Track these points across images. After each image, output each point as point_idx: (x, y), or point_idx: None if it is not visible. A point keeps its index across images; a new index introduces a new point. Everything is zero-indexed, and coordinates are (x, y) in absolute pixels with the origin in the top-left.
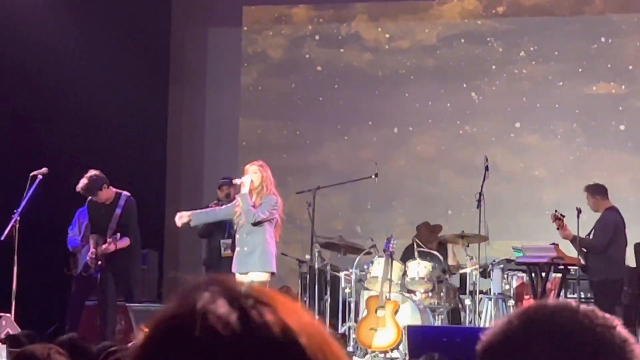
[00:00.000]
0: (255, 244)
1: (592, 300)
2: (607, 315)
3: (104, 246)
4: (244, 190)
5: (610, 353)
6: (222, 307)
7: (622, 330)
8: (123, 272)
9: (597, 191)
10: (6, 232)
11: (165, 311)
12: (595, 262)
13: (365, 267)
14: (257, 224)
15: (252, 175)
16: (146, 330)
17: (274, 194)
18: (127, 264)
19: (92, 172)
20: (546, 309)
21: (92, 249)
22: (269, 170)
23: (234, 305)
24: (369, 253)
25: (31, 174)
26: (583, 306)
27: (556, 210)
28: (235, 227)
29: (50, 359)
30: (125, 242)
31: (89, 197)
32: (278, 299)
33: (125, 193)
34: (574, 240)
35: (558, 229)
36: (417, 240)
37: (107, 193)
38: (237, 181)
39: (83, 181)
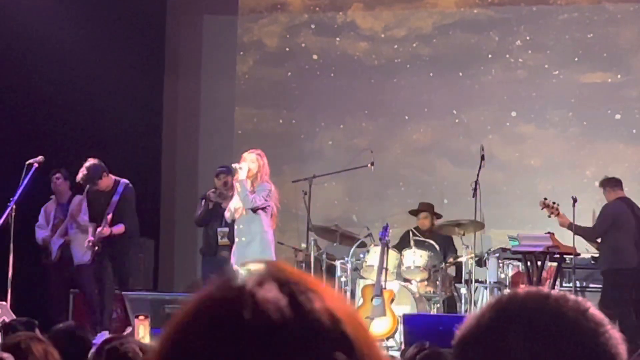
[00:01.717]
0: (253, 234)
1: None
2: (580, 299)
3: (97, 229)
4: (241, 175)
5: (583, 336)
6: (272, 291)
7: (595, 312)
8: (120, 260)
9: (606, 184)
10: (2, 220)
11: (206, 294)
12: (602, 250)
13: (361, 255)
14: (254, 210)
15: (249, 164)
16: (181, 312)
17: (267, 182)
18: (124, 251)
19: (91, 162)
20: (517, 298)
21: (90, 237)
22: (266, 159)
23: (283, 290)
24: (364, 244)
25: (27, 162)
26: (554, 292)
27: (545, 198)
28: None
29: (30, 348)
30: (120, 228)
31: (87, 186)
32: (322, 286)
33: (124, 180)
34: (570, 227)
35: (550, 216)
36: (417, 216)
37: (107, 181)
38: (235, 165)
39: (82, 171)
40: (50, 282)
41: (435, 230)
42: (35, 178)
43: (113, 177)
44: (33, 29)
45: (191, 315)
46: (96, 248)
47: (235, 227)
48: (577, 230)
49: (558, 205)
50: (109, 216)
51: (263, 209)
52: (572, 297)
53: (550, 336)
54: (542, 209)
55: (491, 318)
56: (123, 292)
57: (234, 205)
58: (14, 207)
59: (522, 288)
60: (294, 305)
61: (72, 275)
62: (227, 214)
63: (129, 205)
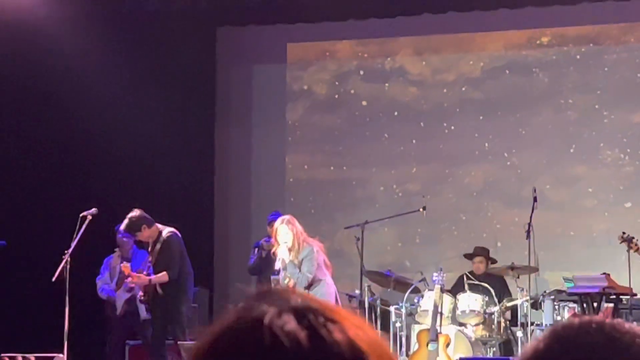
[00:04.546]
0: (315, 294)
1: None
2: (635, 325)
3: (132, 279)
4: (286, 258)
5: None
6: (290, 322)
7: None
8: (168, 310)
9: None
10: (57, 273)
11: (226, 323)
12: None
13: (416, 300)
14: (310, 283)
15: (284, 237)
16: (200, 342)
17: (307, 243)
18: (173, 300)
19: (133, 213)
20: (573, 326)
21: (140, 291)
22: (297, 222)
23: (302, 321)
24: (417, 290)
25: (81, 215)
26: (609, 320)
27: (624, 232)
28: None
29: None
30: (162, 276)
31: (135, 238)
32: (344, 315)
33: (168, 229)
34: None
35: (629, 251)
36: (472, 260)
37: (150, 232)
38: (278, 272)
39: (124, 222)
40: (112, 334)
41: (489, 273)
42: (90, 230)
43: (160, 226)
44: (86, 84)
45: (209, 347)
46: (143, 298)
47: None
48: None
49: (638, 240)
50: (149, 265)
51: (316, 269)
52: (627, 323)
53: None
54: (620, 242)
55: (547, 345)
56: (178, 342)
57: (285, 282)
58: (69, 259)
59: (577, 316)
60: (313, 337)
61: (134, 329)
62: (282, 284)
63: (170, 253)
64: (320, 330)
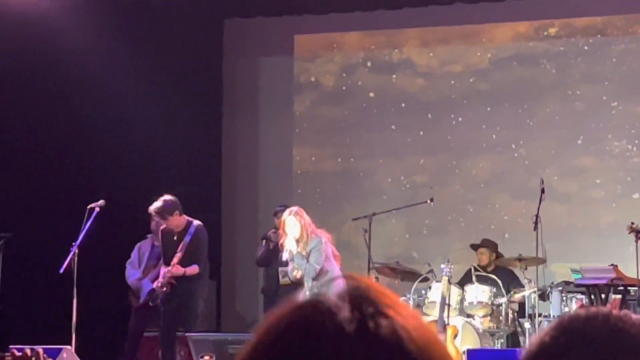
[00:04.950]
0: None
1: None
2: None
3: (166, 269)
4: (293, 249)
5: None
6: (344, 312)
7: None
8: (185, 302)
9: None
10: (65, 264)
11: (289, 306)
12: None
13: (423, 292)
14: (319, 273)
15: (292, 229)
16: (259, 330)
17: (315, 235)
18: (193, 293)
19: (168, 197)
20: (579, 317)
21: (160, 279)
22: (304, 213)
23: (354, 311)
24: (426, 279)
25: (88, 207)
26: (616, 311)
27: (633, 223)
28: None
29: None
30: (194, 269)
31: (162, 227)
32: (401, 308)
33: (197, 222)
34: None
35: (637, 241)
36: (478, 253)
37: (179, 220)
38: (287, 263)
39: (157, 203)
40: (133, 323)
41: (496, 265)
42: (97, 222)
43: (186, 217)
44: (91, 76)
45: (264, 334)
46: (164, 289)
47: (306, 283)
48: None
49: None
50: (179, 255)
51: (324, 260)
52: (634, 315)
53: (611, 353)
54: (629, 233)
55: (553, 337)
56: (186, 334)
57: (293, 273)
58: (77, 251)
59: (584, 308)
60: (361, 329)
61: (152, 320)
62: (290, 275)
63: (200, 247)
64: (369, 324)
